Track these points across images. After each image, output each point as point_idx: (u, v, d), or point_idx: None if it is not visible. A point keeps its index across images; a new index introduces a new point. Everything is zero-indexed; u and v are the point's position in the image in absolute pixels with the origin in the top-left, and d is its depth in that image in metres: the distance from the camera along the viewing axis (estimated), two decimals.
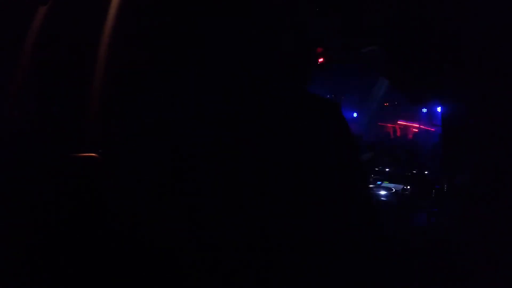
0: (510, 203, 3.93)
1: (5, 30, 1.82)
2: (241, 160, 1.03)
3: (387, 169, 7.19)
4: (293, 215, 1.03)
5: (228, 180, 1.04)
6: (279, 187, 1.02)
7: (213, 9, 1.12)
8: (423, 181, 6.62)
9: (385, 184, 6.40)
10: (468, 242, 3.96)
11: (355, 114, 13.33)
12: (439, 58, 4.63)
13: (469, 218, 4.24)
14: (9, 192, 1.37)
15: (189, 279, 1.06)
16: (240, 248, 1.02)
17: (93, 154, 1.37)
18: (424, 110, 11.92)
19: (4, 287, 1.29)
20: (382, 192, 6.14)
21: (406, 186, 6.36)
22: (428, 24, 4.56)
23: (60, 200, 1.32)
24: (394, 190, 6.23)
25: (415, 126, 12.66)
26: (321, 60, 6.43)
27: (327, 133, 1.09)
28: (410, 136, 12.57)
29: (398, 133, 13.40)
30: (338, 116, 1.15)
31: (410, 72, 5.07)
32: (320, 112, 1.12)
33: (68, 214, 1.30)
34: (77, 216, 1.30)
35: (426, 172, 7.11)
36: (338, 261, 1.03)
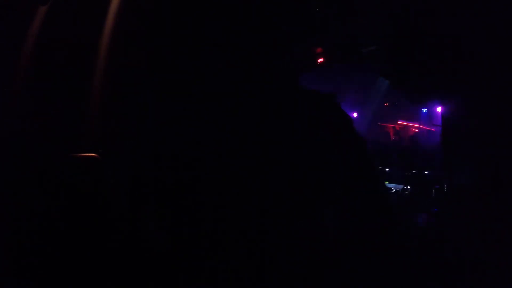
0: (510, 203, 3.93)
1: (5, 30, 1.83)
2: (242, 159, 1.03)
3: (387, 169, 7.20)
4: (294, 213, 1.02)
5: (229, 179, 1.04)
6: (280, 184, 1.02)
7: (213, 9, 1.12)
8: (423, 181, 6.62)
9: (385, 184, 6.40)
10: (468, 242, 3.96)
11: (355, 114, 13.35)
12: (439, 58, 4.63)
13: (469, 218, 4.24)
14: (9, 192, 1.37)
15: (189, 278, 1.06)
16: (241, 247, 1.02)
17: (93, 154, 1.37)
18: (424, 110, 11.93)
19: (4, 287, 1.29)
20: None
21: (406, 186, 6.36)
22: (428, 24, 4.57)
23: (60, 200, 1.32)
24: (394, 190, 6.24)
25: (415, 126, 12.67)
26: (321, 60, 6.43)
27: (324, 126, 1.08)
28: (410, 136, 12.58)
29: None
30: (334, 107, 1.14)
31: (410, 72, 5.07)
32: (315, 106, 1.11)
33: (68, 214, 1.30)
34: (77, 216, 1.30)
35: (426, 172, 7.11)
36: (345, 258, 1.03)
